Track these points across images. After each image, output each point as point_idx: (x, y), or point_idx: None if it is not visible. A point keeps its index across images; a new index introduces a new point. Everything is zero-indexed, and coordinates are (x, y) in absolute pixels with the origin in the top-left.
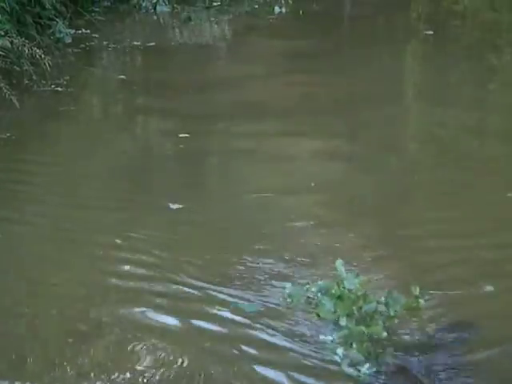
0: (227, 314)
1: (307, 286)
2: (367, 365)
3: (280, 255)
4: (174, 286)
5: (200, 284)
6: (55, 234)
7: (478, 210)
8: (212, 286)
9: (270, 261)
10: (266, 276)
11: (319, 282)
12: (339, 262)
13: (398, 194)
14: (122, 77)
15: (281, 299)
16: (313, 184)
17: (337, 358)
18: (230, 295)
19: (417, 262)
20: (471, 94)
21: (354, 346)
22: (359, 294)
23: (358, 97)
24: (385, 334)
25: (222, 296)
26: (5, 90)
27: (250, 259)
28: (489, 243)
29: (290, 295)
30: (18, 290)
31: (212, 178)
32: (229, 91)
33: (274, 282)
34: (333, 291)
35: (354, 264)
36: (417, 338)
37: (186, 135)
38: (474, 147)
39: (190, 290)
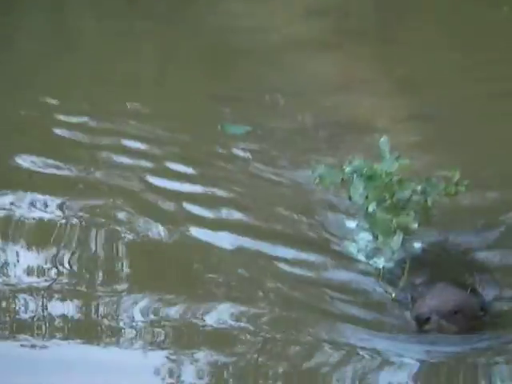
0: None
1: (343, 167)
2: (383, 258)
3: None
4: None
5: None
6: None
7: None
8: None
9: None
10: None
11: (354, 162)
12: (384, 141)
13: None
14: None
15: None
16: None
17: (353, 247)
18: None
19: None
20: None
21: (380, 236)
22: (395, 178)
23: None
24: (415, 225)
25: None
26: None
27: None
28: None
29: (320, 177)
30: None
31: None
32: None
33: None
34: (364, 171)
35: None
36: (452, 231)
37: None
38: None
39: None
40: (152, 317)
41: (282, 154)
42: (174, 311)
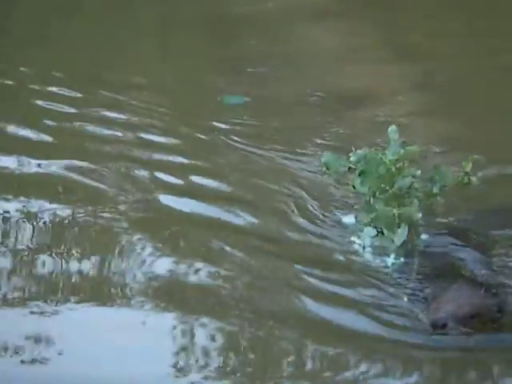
0: None
1: (350, 154)
2: (391, 256)
3: None
4: None
5: None
6: None
7: None
8: None
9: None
10: None
11: (359, 151)
12: (393, 129)
13: None
14: None
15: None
16: None
17: (357, 245)
18: None
19: None
20: None
21: (384, 230)
22: (395, 166)
23: None
24: (419, 215)
25: None
26: None
27: None
28: None
29: (326, 164)
30: None
31: None
32: None
33: None
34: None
35: None
36: (457, 221)
37: None
38: None
39: None
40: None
41: (279, 126)
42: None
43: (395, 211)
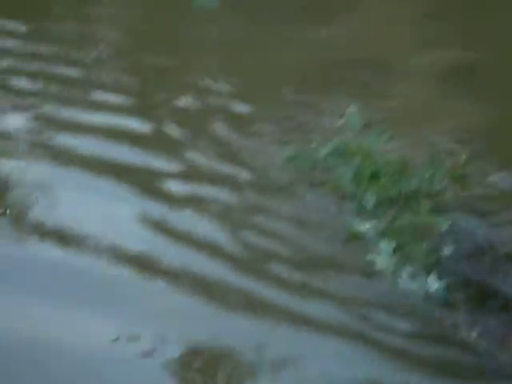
0: None
1: (313, 146)
2: (434, 276)
3: None
4: None
5: None
6: None
7: None
8: None
9: None
10: None
11: (329, 143)
12: (353, 108)
13: None
14: None
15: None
16: None
17: (380, 265)
18: None
19: None
20: None
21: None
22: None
23: None
24: (448, 223)
25: None
26: None
27: None
28: None
29: (290, 158)
30: None
31: None
32: None
33: None
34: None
35: None
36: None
37: None
38: None
39: None
40: None
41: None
42: None
43: (421, 221)
